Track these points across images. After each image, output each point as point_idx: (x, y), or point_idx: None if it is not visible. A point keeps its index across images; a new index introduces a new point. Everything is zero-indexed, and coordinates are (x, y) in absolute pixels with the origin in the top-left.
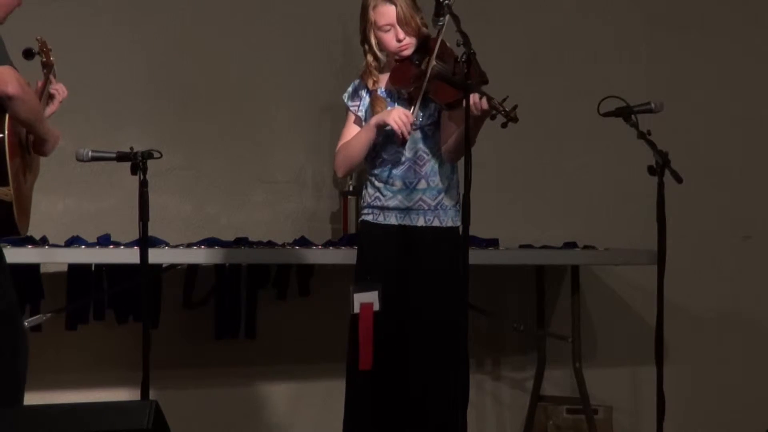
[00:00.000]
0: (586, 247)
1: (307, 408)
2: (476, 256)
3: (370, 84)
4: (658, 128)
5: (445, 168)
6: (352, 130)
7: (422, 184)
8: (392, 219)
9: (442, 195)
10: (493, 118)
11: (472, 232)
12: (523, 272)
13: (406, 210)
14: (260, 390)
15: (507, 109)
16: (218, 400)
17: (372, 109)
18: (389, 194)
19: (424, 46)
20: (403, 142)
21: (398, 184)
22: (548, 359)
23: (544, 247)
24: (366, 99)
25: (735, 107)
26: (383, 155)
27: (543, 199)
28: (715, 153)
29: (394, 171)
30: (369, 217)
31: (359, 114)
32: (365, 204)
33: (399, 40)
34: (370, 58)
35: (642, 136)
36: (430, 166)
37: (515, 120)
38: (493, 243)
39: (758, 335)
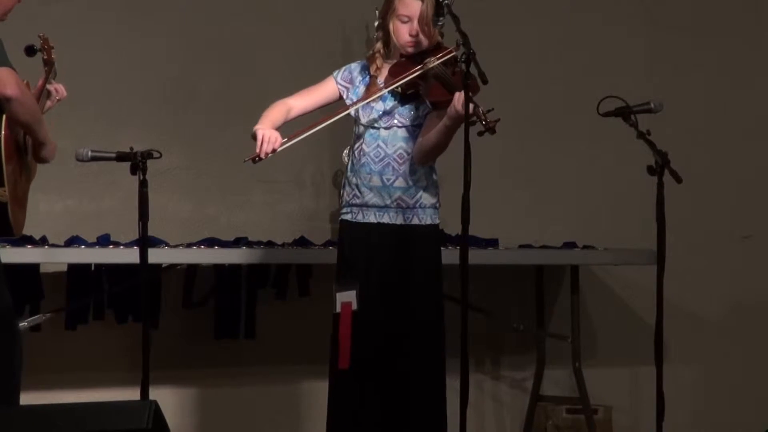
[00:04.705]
0: (585, 247)
1: (307, 408)
2: (476, 256)
3: (372, 69)
4: (658, 128)
5: (424, 168)
6: (316, 91)
7: (400, 182)
8: (371, 217)
9: (421, 193)
10: (472, 123)
11: (472, 232)
12: (522, 272)
13: (384, 208)
14: (260, 390)
15: (487, 120)
16: (218, 400)
17: (366, 93)
18: (367, 191)
19: (431, 52)
20: (254, 159)
21: (376, 180)
22: (548, 359)
23: (544, 247)
24: (362, 87)
25: (735, 107)
26: (365, 149)
27: (543, 199)
28: (715, 153)
29: (373, 167)
30: (348, 216)
31: (341, 91)
32: (344, 203)
33: (412, 35)
34: (380, 45)
35: (642, 136)
36: (409, 165)
37: (493, 131)
38: (493, 243)
39: (758, 335)
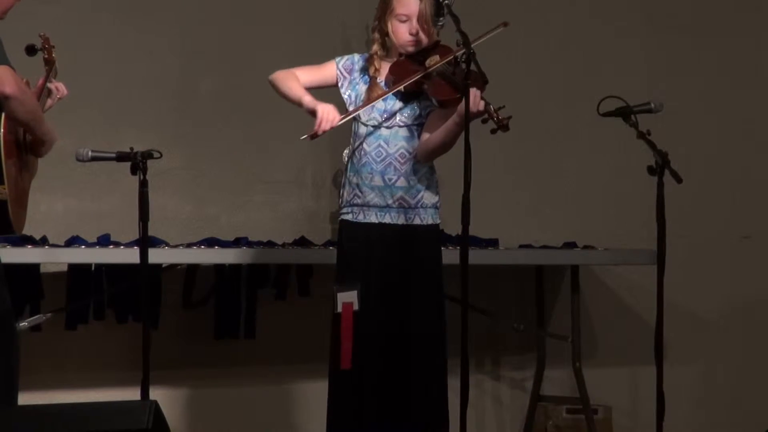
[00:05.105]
0: (586, 247)
1: (306, 408)
2: (476, 256)
3: (371, 71)
4: (658, 128)
5: (425, 168)
6: (318, 71)
7: (402, 182)
8: (372, 217)
9: (422, 193)
10: (484, 122)
11: (472, 232)
12: (523, 272)
13: (386, 208)
14: (260, 390)
15: (500, 117)
16: (218, 400)
17: (368, 94)
18: (368, 191)
19: (430, 50)
20: (313, 136)
21: (378, 180)
22: (548, 359)
23: (544, 247)
24: (362, 86)
25: (735, 107)
26: (366, 148)
27: (543, 199)
28: (715, 153)
29: (375, 166)
30: (348, 216)
31: (339, 79)
32: (344, 203)
33: (412, 34)
34: (377, 47)
35: (642, 136)
36: (411, 164)
37: (506, 129)
38: (493, 243)
39: (758, 335)
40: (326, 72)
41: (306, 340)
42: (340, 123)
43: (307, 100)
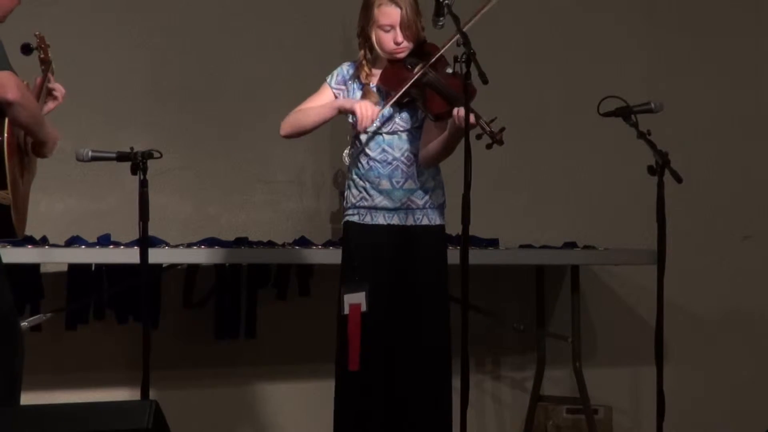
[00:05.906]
0: (586, 247)
1: (307, 408)
2: (476, 256)
3: (362, 77)
4: (658, 128)
5: (431, 168)
6: (319, 99)
7: (410, 184)
8: (380, 219)
9: (430, 194)
10: (479, 137)
11: (472, 232)
12: (523, 272)
13: (394, 210)
14: (260, 390)
15: (494, 131)
16: (218, 400)
17: (364, 98)
18: (376, 194)
19: (418, 50)
20: (360, 133)
21: (385, 183)
22: (548, 359)
23: (544, 247)
24: (357, 93)
25: (735, 107)
26: (370, 154)
27: (543, 199)
28: (715, 153)
29: (382, 171)
30: (354, 218)
31: (337, 96)
32: (349, 205)
33: (397, 43)
34: (363, 53)
35: (642, 136)
36: (416, 166)
37: (500, 143)
38: (493, 243)
39: (758, 335)
40: (325, 98)
41: (306, 340)
42: (379, 114)
43: (338, 104)
